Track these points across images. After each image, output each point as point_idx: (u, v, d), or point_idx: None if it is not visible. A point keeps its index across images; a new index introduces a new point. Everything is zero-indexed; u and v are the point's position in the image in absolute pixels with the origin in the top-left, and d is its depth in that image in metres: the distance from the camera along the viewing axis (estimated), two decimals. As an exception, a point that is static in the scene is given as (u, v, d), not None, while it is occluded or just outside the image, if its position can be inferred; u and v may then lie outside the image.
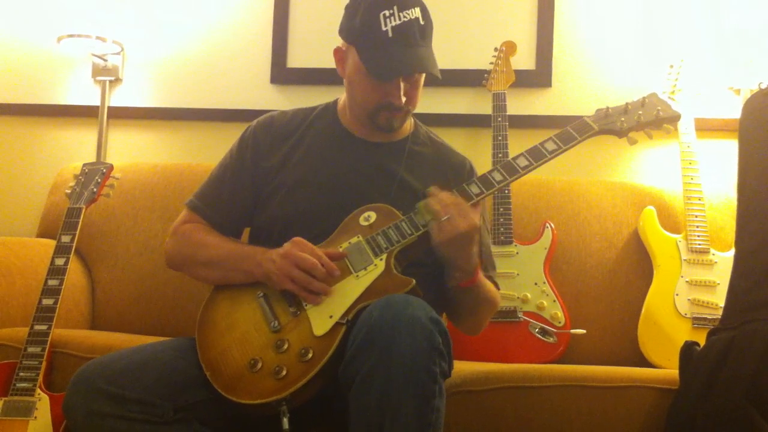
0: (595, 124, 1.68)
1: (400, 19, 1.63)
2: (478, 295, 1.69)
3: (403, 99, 1.69)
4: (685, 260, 2.24)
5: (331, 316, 1.48)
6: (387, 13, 1.63)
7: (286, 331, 1.50)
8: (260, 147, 1.81)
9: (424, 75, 1.72)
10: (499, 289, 1.81)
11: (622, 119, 1.68)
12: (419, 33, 1.65)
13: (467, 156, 1.90)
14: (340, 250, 1.59)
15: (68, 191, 2.13)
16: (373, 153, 1.78)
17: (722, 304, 1.66)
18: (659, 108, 1.70)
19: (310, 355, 1.43)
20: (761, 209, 1.62)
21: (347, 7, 1.73)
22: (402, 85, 1.68)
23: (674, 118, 1.71)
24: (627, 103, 1.71)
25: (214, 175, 1.85)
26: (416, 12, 1.65)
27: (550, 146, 1.66)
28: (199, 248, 1.74)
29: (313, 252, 1.55)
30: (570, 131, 1.68)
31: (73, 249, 2.00)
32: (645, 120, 1.68)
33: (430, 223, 1.55)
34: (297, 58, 2.88)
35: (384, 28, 1.62)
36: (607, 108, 1.71)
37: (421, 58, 1.65)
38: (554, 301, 2.28)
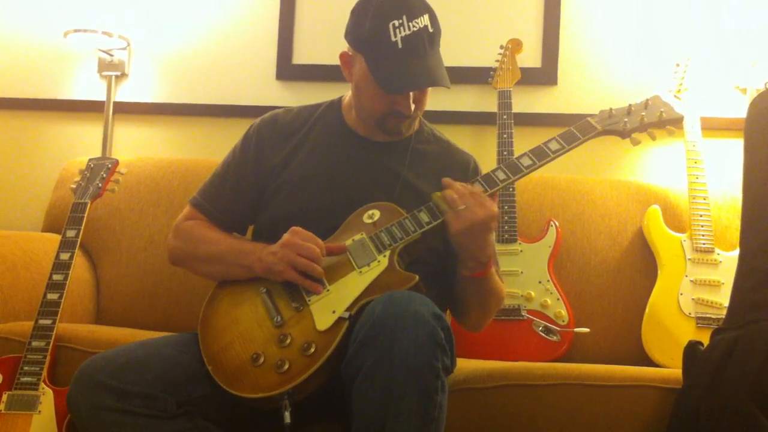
0: (599, 125, 1.68)
1: (409, 29, 1.60)
2: (489, 286, 1.70)
3: (412, 106, 1.69)
4: (689, 259, 2.24)
5: (333, 311, 1.48)
6: (396, 23, 1.60)
7: (289, 326, 1.50)
8: (264, 145, 1.81)
9: None
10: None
11: (626, 120, 1.69)
12: (428, 42, 1.63)
13: (472, 153, 1.90)
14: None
15: (73, 186, 2.13)
16: (377, 152, 1.78)
17: (726, 303, 1.66)
18: (662, 110, 1.70)
19: (312, 350, 1.44)
20: (766, 209, 1.61)
21: (354, 12, 1.70)
22: (411, 94, 1.67)
23: (677, 120, 1.71)
24: (630, 105, 1.71)
25: (218, 172, 1.85)
26: (425, 20, 1.62)
27: (554, 146, 1.67)
28: (200, 244, 1.74)
29: (313, 239, 1.56)
30: (573, 131, 1.68)
31: (78, 244, 2.00)
32: (648, 121, 1.68)
33: (446, 212, 1.56)
34: (303, 55, 2.88)
35: (393, 39, 1.60)
36: (611, 109, 1.71)
37: (431, 71, 1.63)
38: (558, 299, 2.28)
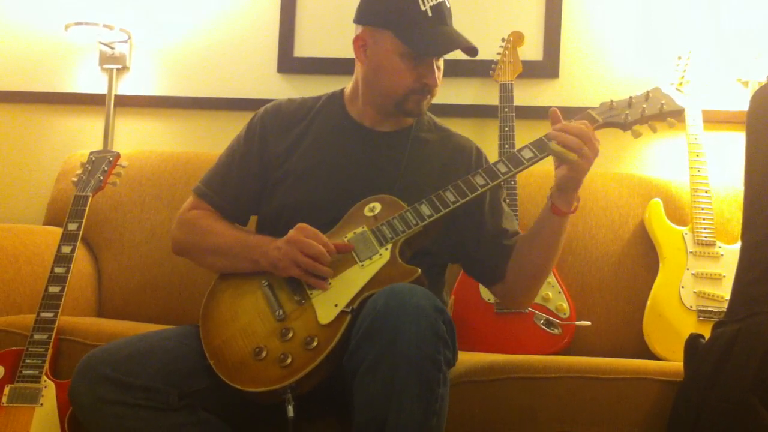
0: (600, 117, 1.68)
1: (435, 0, 1.66)
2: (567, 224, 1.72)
3: (439, 75, 1.72)
4: (691, 252, 2.24)
5: (336, 305, 1.48)
6: None
7: (291, 320, 1.50)
8: (268, 133, 1.81)
9: (442, 60, 1.73)
10: None
11: (627, 112, 1.68)
12: (448, 14, 1.70)
13: (473, 146, 1.90)
14: (345, 240, 1.59)
15: (75, 179, 2.13)
16: (379, 142, 1.78)
17: (728, 296, 1.66)
18: (663, 102, 1.69)
19: (315, 343, 1.44)
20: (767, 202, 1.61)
21: None
22: (434, 65, 1.70)
23: (678, 112, 1.71)
24: (631, 97, 1.71)
25: (222, 161, 1.85)
26: None
27: None
28: (205, 235, 1.74)
29: (318, 237, 1.55)
30: None
31: (80, 237, 2.00)
32: (649, 113, 1.68)
33: (573, 160, 1.56)
34: (304, 48, 2.87)
35: (423, 8, 1.65)
36: (611, 101, 1.71)
37: (459, 35, 1.69)
38: (559, 292, 2.28)
